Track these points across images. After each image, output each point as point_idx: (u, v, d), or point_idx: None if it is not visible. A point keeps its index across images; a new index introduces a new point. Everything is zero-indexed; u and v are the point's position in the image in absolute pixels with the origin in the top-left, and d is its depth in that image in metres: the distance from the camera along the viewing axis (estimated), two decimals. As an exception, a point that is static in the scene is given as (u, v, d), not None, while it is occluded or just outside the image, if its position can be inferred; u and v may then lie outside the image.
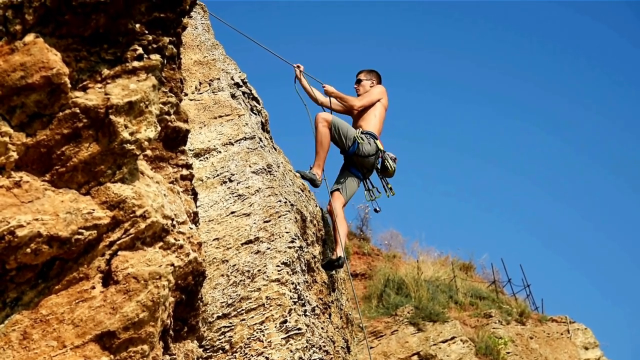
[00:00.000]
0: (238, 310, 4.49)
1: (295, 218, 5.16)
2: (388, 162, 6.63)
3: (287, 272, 4.70)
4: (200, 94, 5.53)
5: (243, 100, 5.81)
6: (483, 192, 57.76)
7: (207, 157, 5.17)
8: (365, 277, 15.10)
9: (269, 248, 4.75)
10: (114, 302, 2.35)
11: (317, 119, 6.44)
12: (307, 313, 4.78)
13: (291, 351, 4.41)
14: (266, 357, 4.35)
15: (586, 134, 64.38)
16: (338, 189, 6.45)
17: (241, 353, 4.35)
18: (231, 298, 4.52)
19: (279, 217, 4.94)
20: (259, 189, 5.02)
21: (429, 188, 54.90)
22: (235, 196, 4.96)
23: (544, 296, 28.71)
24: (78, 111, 2.27)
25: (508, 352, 13.10)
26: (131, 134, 2.40)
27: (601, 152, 63.90)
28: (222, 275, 4.61)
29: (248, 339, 4.40)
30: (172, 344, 2.89)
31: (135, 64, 2.43)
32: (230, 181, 5.04)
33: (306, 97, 6.97)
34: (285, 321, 4.48)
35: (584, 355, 15.19)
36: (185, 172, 3.05)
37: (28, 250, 2.15)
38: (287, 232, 4.88)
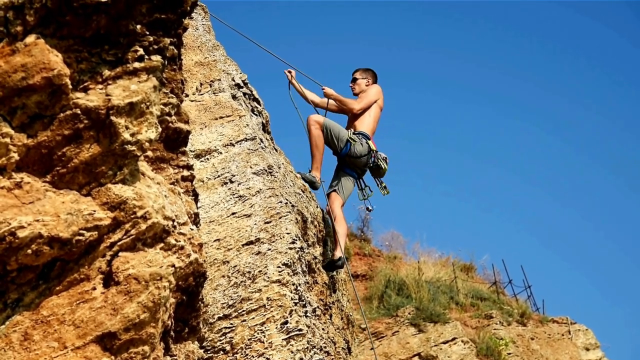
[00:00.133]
0: (239, 311, 4.49)
1: (296, 219, 5.16)
2: (380, 162, 6.66)
3: (288, 273, 4.70)
4: (201, 95, 5.54)
5: (244, 101, 5.82)
6: (484, 193, 57.78)
7: (208, 158, 5.17)
8: (366, 278, 15.10)
9: (269, 249, 4.75)
10: (114, 303, 2.35)
11: (309, 121, 6.46)
12: (308, 314, 4.78)
13: (292, 352, 4.41)
14: (267, 358, 4.35)
15: (586, 134, 64.39)
16: (335, 190, 6.47)
17: (242, 354, 4.35)
18: (232, 299, 4.52)
19: (280, 218, 4.94)
20: (260, 190, 5.02)
21: (429, 189, 54.91)
22: (236, 197, 4.96)
23: (545, 297, 28.74)
24: (79, 112, 2.27)
25: (509, 353, 13.09)
26: (132, 135, 2.40)
27: (601, 152, 63.92)
28: (223, 276, 4.61)
29: (249, 339, 4.40)
30: (173, 344, 2.89)
31: (136, 65, 2.43)
32: (231, 182, 5.04)
33: (300, 101, 6.99)
34: (286, 322, 4.48)
35: (585, 356, 15.18)
36: (186, 173, 3.05)
37: (29, 251, 2.16)
38: (287, 233, 4.88)
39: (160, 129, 2.53)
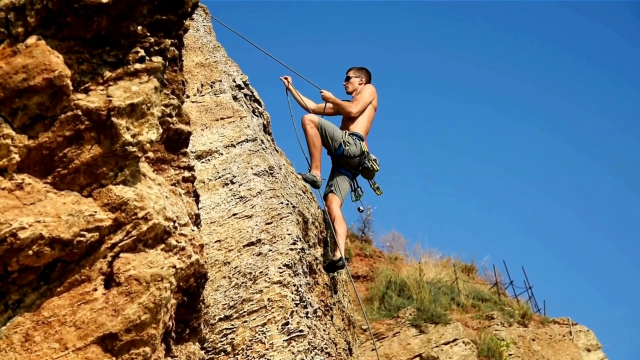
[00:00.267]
0: (240, 312, 4.49)
1: (297, 220, 5.16)
2: (372, 164, 6.68)
3: (289, 274, 4.70)
4: (202, 96, 5.54)
5: (245, 102, 5.82)
6: (485, 194, 57.75)
7: (209, 159, 5.17)
8: (367, 279, 15.09)
9: (270, 250, 4.75)
10: (115, 304, 2.35)
11: (304, 121, 6.49)
12: (309, 315, 4.78)
13: (293, 353, 4.41)
14: (268, 359, 4.35)
15: (587, 135, 64.34)
16: (332, 190, 6.50)
17: (243, 355, 4.35)
18: (233, 300, 4.52)
19: (281, 219, 4.94)
20: (261, 191, 5.02)
21: (430, 189, 54.89)
22: (237, 198, 4.96)
23: (546, 298, 28.71)
24: (80, 113, 2.28)
25: (510, 354, 13.08)
26: (133, 136, 2.40)
27: (602, 152, 63.88)
28: (224, 277, 4.61)
29: (250, 340, 4.39)
30: (174, 345, 2.89)
31: (137, 66, 2.43)
32: (232, 183, 5.04)
33: (297, 108, 7.01)
34: (287, 323, 4.48)
35: (586, 357, 15.18)
36: (187, 174, 3.05)
37: (30, 252, 2.16)
38: (288, 234, 4.88)
39: (161, 130, 2.53)
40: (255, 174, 5.10)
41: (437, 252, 18.64)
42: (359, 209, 6.77)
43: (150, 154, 2.87)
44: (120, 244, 2.42)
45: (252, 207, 4.93)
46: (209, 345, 4.38)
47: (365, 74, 7.20)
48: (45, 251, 2.19)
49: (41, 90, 2.17)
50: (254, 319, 4.46)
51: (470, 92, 63.66)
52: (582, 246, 52.73)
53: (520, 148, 62.19)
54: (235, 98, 5.64)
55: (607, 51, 65.97)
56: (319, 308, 5.13)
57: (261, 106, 6.23)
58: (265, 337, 4.41)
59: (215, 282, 4.57)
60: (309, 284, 5.11)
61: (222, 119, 5.39)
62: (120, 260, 2.41)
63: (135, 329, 2.37)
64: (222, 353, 4.38)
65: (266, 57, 6.88)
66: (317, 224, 5.83)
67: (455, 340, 12.37)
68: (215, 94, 5.54)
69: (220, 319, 4.47)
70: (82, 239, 2.29)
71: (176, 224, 2.64)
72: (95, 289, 2.36)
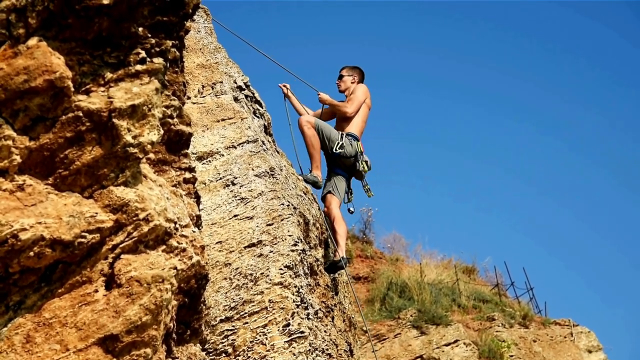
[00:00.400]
0: (241, 314, 4.48)
1: (298, 221, 5.16)
2: (362, 165, 6.71)
3: (290, 275, 4.70)
4: (203, 97, 5.54)
5: (246, 104, 5.82)
6: (486, 195, 57.74)
7: (209, 161, 5.17)
8: (368, 280, 15.09)
9: (271, 251, 4.75)
10: (117, 306, 2.35)
11: (301, 122, 6.53)
12: (310, 316, 4.77)
13: (294, 354, 4.41)
14: (269, 361, 4.34)
15: (587, 135, 64.32)
16: (330, 191, 6.52)
17: (244, 356, 4.35)
18: (234, 301, 4.52)
19: (282, 220, 4.94)
20: (262, 192, 5.02)
21: (431, 191, 54.90)
22: (238, 199, 4.96)
23: (547, 299, 28.68)
24: (81, 115, 2.27)
25: (511, 356, 13.08)
26: (134, 137, 2.40)
27: (603, 153, 63.85)
28: (225, 279, 4.61)
29: (251, 342, 4.39)
30: (175, 347, 2.89)
31: (138, 67, 2.43)
32: (233, 184, 5.04)
33: (295, 115, 7.03)
34: (288, 324, 4.48)
35: (588, 359, 15.17)
36: (188, 175, 3.05)
37: (31, 253, 2.16)
38: (289, 235, 4.88)
39: (162, 131, 2.53)
40: (256, 175, 5.10)
41: (438, 253, 18.65)
42: (349, 210, 6.79)
43: (151, 155, 2.87)
44: (121, 246, 2.42)
45: (253, 209, 4.93)
46: (210, 346, 4.37)
47: (358, 73, 7.24)
48: (46, 252, 2.19)
49: (42, 91, 2.17)
50: (255, 320, 4.46)
51: (471, 93, 63.69)
52: (583, 247, 52.69)
53: (521, 149, 62.20)
54: (236, 99, 5.65)
55: (606, 51, 65.98)
56: (320, 309, 5.13)
57: (262, 107, 6.23)
58: (267, 339, 4.41)
59: (216, 284, 4.57)
60: (310, 285, 5.11)
61: (223, 120, 5.39)
62: (121, 262, 2.41)
63: (136, 330, 2.37)
64: (223, 354, 4.38)
65: (267, 58, 6.90)
66: (318, 225, 5.84)
67: (456, 341, 12.37)
68: (216, 95, 5.54)
69: (222, 320, 4.47)
70: (83, 240, 2.29)
71: (177, 225, 2.64)
72: (96, 290, 2.36)
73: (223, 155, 5.19)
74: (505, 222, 52.65)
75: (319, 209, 6.19)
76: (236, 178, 5.06)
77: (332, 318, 5.51)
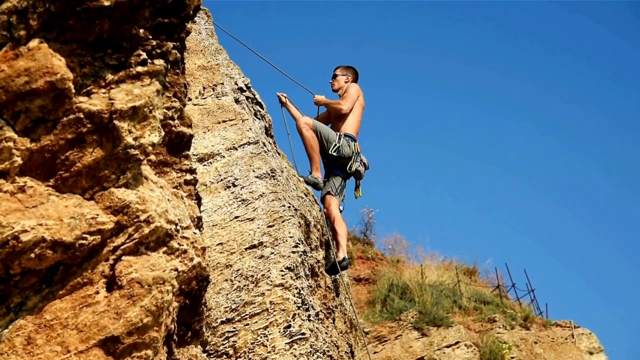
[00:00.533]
0: (242, 315, 4.48)
1: (299, 223, 5.16)
2: (355, 164, 6.74)
3: (291, 277, 4.69)
4: (204, 98, 5.54)
5: (247, 105, 5.82)
6: (487, 197, 57.72)
7: (210, 162, 5.17)
8: (369, 281, 15.09)
9: (272, 253, 4.75)
10: (117, 307, 2.35)
11: (300, 124, 6.57)
12: (311, 318, 4.77)
13: (295, 356, 4.40)
14: (270, 362, 4.34)
15: (589, 136, 64.31)
16: (329, 192, 6.54)
17: (245, 358, 4.35)
18: (235, 303, 4.52)
19: (283, 221, 4.93)
20: (263, 193, 5.02)
21: (432, 192, 54.89)
22: (239, 201, 4.96)
23: (548, 301, 28.65)
24: (82, 116, 2.28)
25: (512, 357, 13.06)
26: (135, 139, 2.40)
27: (603, 154, 63.82)
28: (226, 280, 4.61)
29: (252, 343, 4.39)
30: (176, 349, 2.89)
31: (139, 69, 2.43)
32: (234, 186, 5.04)
33: (292, 123, 7.06)
34: (289, 326, 4.48)
35: (589, 360, 15.15)
36: (189, 176, 3.05)
37: (32, 255, 2.15)
38: (290, 237, 4.88)
39: (163, 133, 2.53)
40: (257, 177, 5.10)
41: (439, 254, 18.66)
42: (339, 209, 6.81)
43: (152, 157, 2.87)
44: (122, 247, 2.42)
45: (254, 210, 4.93)
46: (211, 348, 4.37)
47: (352, 73, 7.29)
48: (47, 254, 2.19)
49: (43, 93, 2.17)
50: (256, 322, 4.46)
51: (472, 93, 63.71)
52: (584, 249, 52.68)
53: (521, 150, 62.18)
54: (237, 101, 5.65)
55: (606, 51, 65.97)
56: (321, 311, 5.13)
57: (263, 109, 6.23)
58: (267, 340, 4.40)
59: (217, 285, 4.57)
60: (311, 286, 5.11)
61: (224, 121, 5.39)
62: (122, 263, 2.41)
63: (137, 331, 2.37)
64: (224, 356, 4.38)
65: (264, 61, 6.93)
66: (319, 226, 5.84)
67: (457, 343, 12.36)
68: (217, 97, 5.55)
69: (222, 322, 4.46)
70: (84, 242, 2.29)
71: (178, 227, 2.64)
72: (98, 292, 2.36)
73: (224, 156, 5.19)
74: (506, 224, 52.65)
75: (320, 210, 6.19)
76: (237, 179, 5.06)
77: (333, 319, 5.51)
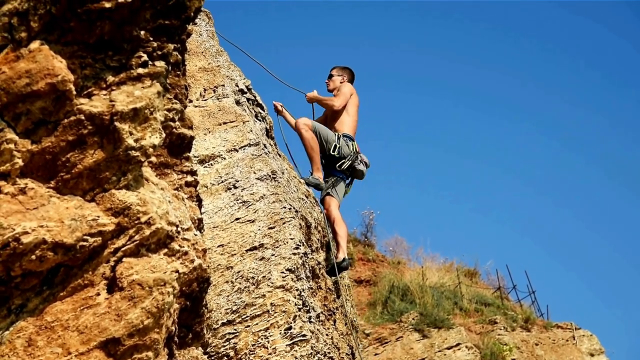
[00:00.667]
0: (243, 317, 4.48)
1: (300, 224, 5.16)
2: (359, 164, 6.75)
3: (292, 279, 4.69)
4: (205, 100, 5.54)
5: (247, 107, 5.82)
6: (488, 198, 57.66)
7: (211, 164, 5.17)
8: (370, 283, 15.09)
9: (273, 254, 4.74)
10: (118, 309, 2.35)
11: (299, 125, 6.58)
12: (312, 319, 4.77)
13: (296, 358, 4.40)
14: (271, 364, 4.34)
15: (590, 138, 64.29)
16: (328, 193, 6.54)
17: (246, 359, 4.35)
18: (236, 304, 4.52)
19: (284, 223, 4.93)
20: (264, 195, 5.02)
21: (433, 194, 54.90)
22: (240, 202, 4.96)
23: (549, 302, 28.61)
24: (83, 118, 2.28)
25: (513, 359, 13.06)
26: (136, 140, 2.40)
27: (604, 156, 63.78)
28: (227, 282, 4.61)
29: (253, 345, 4.39)
30: (177, 350, 2.89)
31: (140, 70, 2.43)
32: (235, 187, 5.04)
33: (289, 130, 7.05)
34: (290, 328, 4.48)
35: (590, 362, 15.14)
36: (189, 178, 3.05)
37: (33, 257, 2.16)
38: (291, 239, 4.88)
39: (164, 135, 2.53)
40: (258, 179, 5.10)
41: (440, 256, 18.66)
42: None
43: (153, 159, 2.87)
44: (123, 249, 2.42)
45: (255, 212, 4.93)
46: (212, 350, 4.37)
47: (348, 74, 7.31)
48: (48, 256, 2.19)
49: (44, 95, 2.17)
50: (257, 324, 4.46)
51: (472, 94, 63.67)
52: (585, 251, 52.65)
53: (522, 151, 62.15)
54: (237, 102, 5.65)
55: (606, 52, 65.96)
56: (321, 312, 5.13)
57: (264, 111, 6.24)
58: (268, 342, 4.40)
59: (218, 287, 4.57)
60: (311, 288, 5.10)
61: (224, 123, 5.39)
62: (123, 265, 2.41)
63: (138, 333, 2.37)
64: (225, 358, 4.37)
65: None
66: (319, 228, 5.83)
67: (458, 344, 12.35)
68: (218, 99, 5.55)
69: (223, 324, 4.46)
70: (85, 243, 2.29)
71: (179, 229, 2.64)
72: (98, 294, 2.36)
73: (225, 158, 5.20)
74: (507, 225, 52.63)
75: (321, 212, 6.19)
76: (238, 181, 5.06)
77: (334, 321, 5.50)
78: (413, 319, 12.84)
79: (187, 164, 3.04)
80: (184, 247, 2.63)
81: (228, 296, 4.55)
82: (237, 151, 5.24)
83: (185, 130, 2.98)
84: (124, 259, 2.42)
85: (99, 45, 2.34)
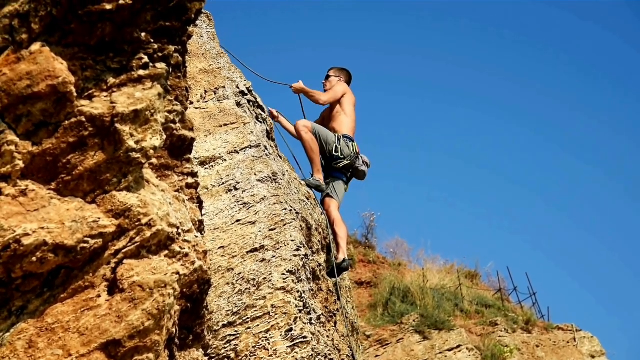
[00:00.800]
0: (243, 319, 4.48)
1: (301, 226, 5.16)
2: (361, 165, 6.75)
3: (293, 281, 4.69)
4: (206, 102, 5.54)
5: (248, 109, 5.82)
6: (488, 200, 57.68)
7: (212, 166, 5.17)
8: (370, 285, 15.09)
9: (274, 256, 4.74)
10: (119, 311, 2.34)
11: (299, 127, 6.56)
12: (313, 321, 4.77)
13: (296, 359, 4.40)
14: (271, 366, 4.34)
15: (591, 140, 64.26)
16: (328, 194, 6.54)
17: (246, 361, 4.34)
18: (236, 306, 4.52)
19: (285, 225, 4.93)
20: (264, 197, 5.02)
21: (434, 196, 54.87)
22: (241, 204, 4.96)
23: (550, 304, 28.58)
24: (84, 120, 2.28)
25: (514, 361, 13.05)
26: (137, 142, 2.40)
27: (605, 159, 63.74)
28: (228, 284, 4.60)
29: (253, 347, 4.39)
30: (178, 352, 2.88)
31: (141, 72, 2.43)
32: (236, 189, 5.04)
33: (287, 136, 7.05)
34: (291, 329, 4.47)
35: (591, 364, 15.13)
36: (190, 180, 3.05)
37: (34, 258, 2.16)
38: (292, 240, 4.88)
39: (164, 137, 2.53)
40: (258, 180, 5.10)
41: (441, 258, 18.66)
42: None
43: (154, 160, 2.87)
44: (123, 251, 2.42)
45: (256, 214, 4.93)
46: (213, 351, 4.37)
47: (345, 75, 7.29)
48: (48, 258, 2.19)
49: (45, 96, 2.17)
50: (258, 325, 4.46)
51: (474, 98, 63.65)
52: (586, 253, 52.67)
53: (523, 154, 62.16)
54: (238, 104, 5.65)
55: (606, 53, 65.95)
56: (322, 314, 5.12)
57: (264, 112, 6.23)
58: (269, 344, 4.40)
59: (218, 289, 4.57)
60: (312, 290, 5.10)
61: (225, 125, 5.39)
62: (123, 267, 2.41)
63: (138, 335, 2.37)
64: (226, 359, 4.37)
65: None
66: (320, 230, 5.83)
67: (459, 346, 12.34)
68: (218, 100, 5.55)
69: (224, 325, 4.46)
70: (85, 245, 2.29)
71: (180, 231, 2.64)
72: (99, 296, 2.36)
73: (225, 160, 5.19)
74: (507, 227, 52.63)
75: (322, 213, 6.19)
76: (239, 183, 5.06)
77: (335, 323, 5.50)
78: (414, 320, 12.83)
79: (187, 165, 3.04)
80: (184, 248, 2.63)
81: (229, 298, 4.55)
82: (238, 153, 5.24)
83: (186, 132, 2.98)
84: (125, 261, 2.42)
85: (99, 47, 2.34)
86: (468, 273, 18.20)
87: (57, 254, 2.21)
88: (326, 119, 7.06)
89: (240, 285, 4.60)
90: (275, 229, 4.89)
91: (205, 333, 3.18)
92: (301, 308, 4.64)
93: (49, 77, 2.16)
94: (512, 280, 19.74)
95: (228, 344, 4.41)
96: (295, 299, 4.62)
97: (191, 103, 5.37)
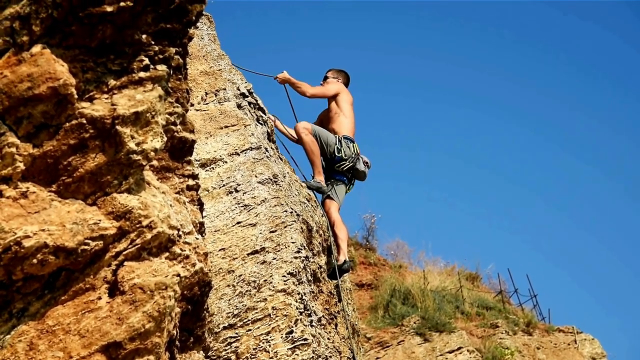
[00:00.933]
0: (244, 321, 4.48)
1: (301, 228, 5.16)
2: (361, 166, 6.74)
3: (293, 283, 4.69)
4: (207, 104, 5.54)
5: (249, 111, 5.82)
6: (489, 202, 57.67)
7: (213, 168, 5.17)
8: (371, 287, 15.08)
9: (275, 258, 4.74)
10: (120, 313, 2.34)
11: (299, 129, 6.53)
12: (313, 323, 4.76)
13: (297, 362, 4.40)
14: (272, 368, 4.33)
15: (591, 142, 64.25)
16: (329, 196, 6.53)
17: (247, 364, 4.34)
18: (237, 308, 4.51)
19: (285, 227, 4.93)
20: (265, 199, 5.02)
21: (435, 198, 54.85)
22: (241, 206, 4.96)
23: (550, 306, 28.56)
24: (84, 122, 2.28)
25: (515, 363, 13.04)
26: (137, 144, 2.40)
27: (605, 160, 63.73)
28: (228, 286, 4.60)
29: (254, 349, 4.38)
30: (178, 354, 2.88)
31: (142, 74, 2.43)
32: (236, 191, 5.04)
33: (285, 139, 7.03)
34: (292, 331, 4.47)
35: (591, 366, 15.12)
36: (191, 182, 3.05)
37: (34, 260, 2.15)
38: (293, 242, 4.88)
39: (165, 138, 2.53)
40: (259, 182, 5.10)
41: (442, 260, 18.66)
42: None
43: (155, 162, 2.87)
44: (124, 253, 2.42)
45: (257, 216, 4.93)
46: (213, 353, 4.37)
47: (343, 76, 7.26)
48: (49, 260, 2.19)
49: (46, 98, 2.17)
50: (258, 328, 4.45)
51: (475, 98, 63.66)
52: (587, 255, 52.64)
53: (524, 156, 62.14)
54: (239, 106, 5.65)
55: (606, 53, 65.95)
56: (323, 316, 5.12)
57: (265, 114, 6.23)
58: (270, 346, 4.40)
59: (219, 291, 4.56)
60: (313, 292, 5.10)
61: (226, 127, 5.39)
62: (124, 269, 2.41)
63: (139, 337, 2.37)
64: (226, 361, 4.37)
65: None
66: (321, 232, 5.83)
67: (459, 348, 12.34)
68: (219, 102, 5.55)
69: (225, 328, 4.46)
70: (86, 247, 2.29)
71: (180, 233, 2.64)
72: (100, 298, 2.36)
73: (226, 162, 5.19)
74: (508, 229, 52.62)
75: (322, 215, 6.19)
76: (239, 185, 5.06)
77: (336, 325, 5.50)
78: (414, 322, 12.83)
79: (188, 167, 3.04)
80: (185, 250, 2.63)
81: (229, 300, 4.55)
82: (239, 155, 5.24)
83: (187, 134, 2.98)
84: (126, 263, 2.42)
85: (100, 49, 2.34)
86: (469, 275, 18.19)
87: (58, 256, 2.21)
88: (325, 120, 7.04)
89: (241, 287, 4.59)
90: (276, 231, 4.89)
91: (206, 335, 3.18)
92: (302, 310, 4.64)
93: (50, 79, 2.16)
94: (512, 282, 19.74)
95: (229, 346, 4.41)
96: (296, 301, 4.62)
97: (192, 105, 5.37)
